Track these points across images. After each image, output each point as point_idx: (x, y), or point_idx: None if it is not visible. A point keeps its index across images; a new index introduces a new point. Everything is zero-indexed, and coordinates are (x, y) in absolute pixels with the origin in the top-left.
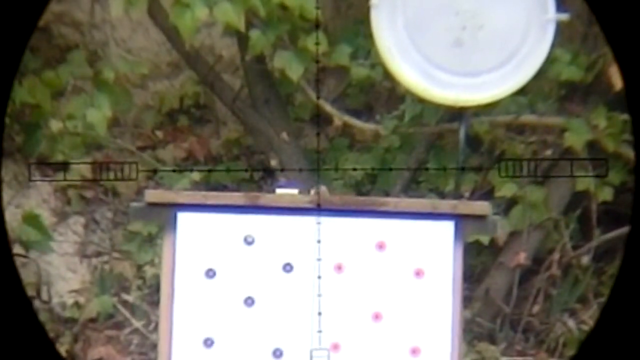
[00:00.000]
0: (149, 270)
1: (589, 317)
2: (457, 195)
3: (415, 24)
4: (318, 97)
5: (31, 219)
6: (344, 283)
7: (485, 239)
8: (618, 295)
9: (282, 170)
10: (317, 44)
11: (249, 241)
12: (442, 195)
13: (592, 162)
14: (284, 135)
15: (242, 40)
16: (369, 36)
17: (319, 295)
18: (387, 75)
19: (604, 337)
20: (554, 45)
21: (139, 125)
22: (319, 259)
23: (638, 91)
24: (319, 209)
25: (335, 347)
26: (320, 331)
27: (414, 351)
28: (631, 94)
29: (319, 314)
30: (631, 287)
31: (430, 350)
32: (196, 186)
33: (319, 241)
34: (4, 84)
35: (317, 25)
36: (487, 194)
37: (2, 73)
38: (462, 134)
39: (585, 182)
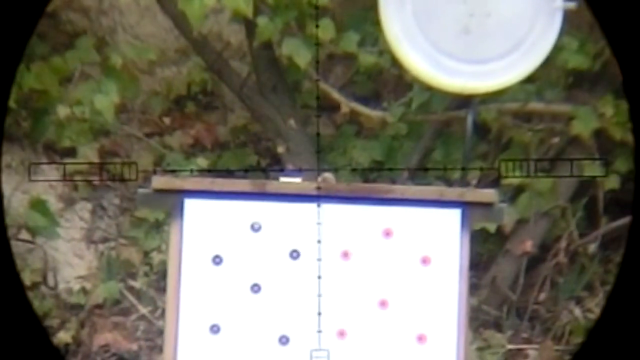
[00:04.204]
0: (155, 257)
1: (595, 305)
2: (464, 183)
3: (423, 11)
4: (318, 98)
5: (38, 205)
6: (350, 270)
7: (491, 227)
8: (623, 284)
9: (281, 170)
10: (317, 44)
11: (255, 228)
12: (448, 183)
13: (599, 151)
14: (292, 122)
15: (250, 26)
16: (376, 23)
17: (325, 282)
18: (395, 62)
19: (611, 325)
20: (561, 34)
21: (146, 112)
22: (325, 246)
23: (636, 81)
24: (325, 197)
25: (341, 333)
26: (324, 317)
27: (420, 338)
28: (629, 83)
29: (324, 300)
30: (636, 275)
31: (437, 337)
32: (203, 173)
33: (325, 228)
34: (10, 69)
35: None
36: (494, 182)
37: (8, 59)
38: (469, 121)
39: (592, 171)
